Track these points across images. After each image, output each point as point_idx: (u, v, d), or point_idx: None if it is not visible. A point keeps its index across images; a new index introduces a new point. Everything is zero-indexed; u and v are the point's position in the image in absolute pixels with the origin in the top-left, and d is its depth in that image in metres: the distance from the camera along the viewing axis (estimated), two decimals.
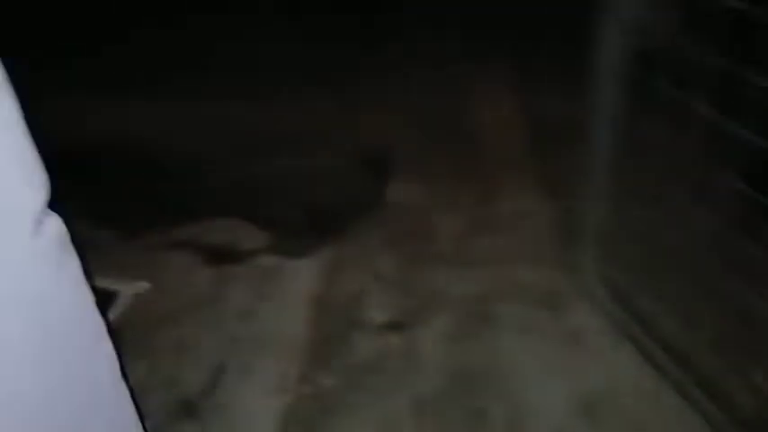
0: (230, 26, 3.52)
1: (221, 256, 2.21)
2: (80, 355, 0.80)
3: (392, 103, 2.88)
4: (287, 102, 2.90)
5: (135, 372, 1.86)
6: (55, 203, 0.72)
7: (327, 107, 2.85)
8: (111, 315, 2.01)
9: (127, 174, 2.56)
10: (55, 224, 0.72)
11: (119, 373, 0.86)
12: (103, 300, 1.98)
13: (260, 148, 2.68)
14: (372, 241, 2.18)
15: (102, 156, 2.61)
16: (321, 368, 1.80)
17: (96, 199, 2.42)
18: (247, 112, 2.82)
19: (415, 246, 2.16)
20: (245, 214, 2.36)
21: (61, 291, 0.75)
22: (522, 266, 2.08)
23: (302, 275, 2.13)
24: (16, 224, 0.67)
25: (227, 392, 1.82)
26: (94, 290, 0.82)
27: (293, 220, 2.35)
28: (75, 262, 0.77)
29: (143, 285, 2.10)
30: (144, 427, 0.96)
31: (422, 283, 2.02)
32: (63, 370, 0.77)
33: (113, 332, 0.87)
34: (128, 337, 1.94)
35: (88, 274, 0.80)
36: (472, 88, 3.03)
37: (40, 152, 0.68)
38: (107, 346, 0.84)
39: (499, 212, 2.31)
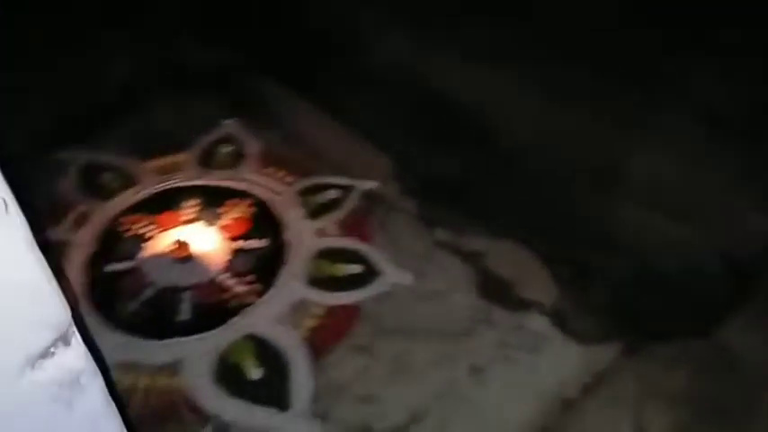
0: None
1: (496, 291, 1.92)
2: None
3: None
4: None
5: (350, 365, 1.76)
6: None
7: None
8: (365, 294, 1.91)
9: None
10: (66, 361, 0.54)
11: None
12: (365, 275, 1.89)
13: (624, 185, 2.15)
14: (665, 382, 1.64)
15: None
16: None
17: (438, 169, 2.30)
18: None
19: (722, 420, 1.57)
20: (554, 256, 1.99)
21: None
22: None
23: (565, 363, 1.73)
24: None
25: None
26: None
27: (597, 290, 1.91)
28: (90, 405, 0.57)
29: (406, 278, 1.94)
30: None
31: None
32: None
33: None
34: (361, 325, 1.84)
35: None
36: None
37: None
38: None
39: None
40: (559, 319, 1.83)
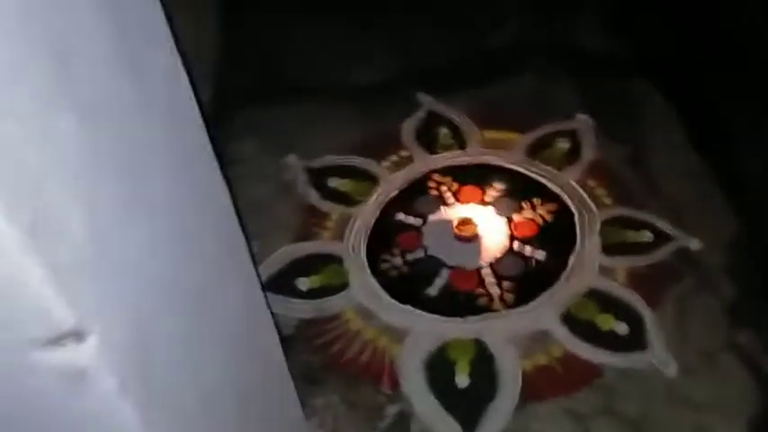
0: None
1: None
2: None
3: None
4: None
5: (556, 428, 1.58)
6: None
7: None
8: (615, 360, 1.68)
9: None
10: (72, 355, 0.58)
11: None
12: (627, 340, 1.66)
13: None
14: None
15: None
16: None
17: None
18: None
19: None
20: None
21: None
22: None
23: None
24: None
25: None
26: None
27: None
28: (96, 400, 0.62)
29: (672, 368, 1.64)
30: None
31: None
32: None
33: None
34: (591, 392, 1.63)
35: None
36: None
37: None
38: None
39: None
40: None
